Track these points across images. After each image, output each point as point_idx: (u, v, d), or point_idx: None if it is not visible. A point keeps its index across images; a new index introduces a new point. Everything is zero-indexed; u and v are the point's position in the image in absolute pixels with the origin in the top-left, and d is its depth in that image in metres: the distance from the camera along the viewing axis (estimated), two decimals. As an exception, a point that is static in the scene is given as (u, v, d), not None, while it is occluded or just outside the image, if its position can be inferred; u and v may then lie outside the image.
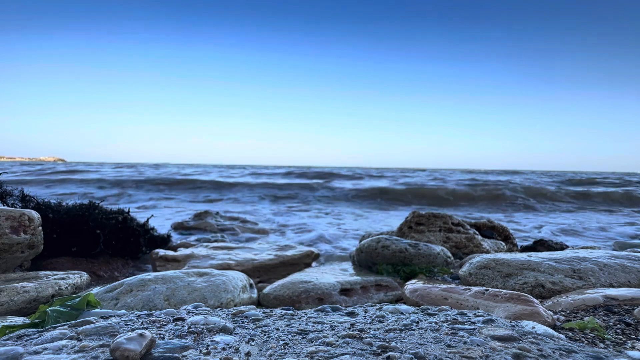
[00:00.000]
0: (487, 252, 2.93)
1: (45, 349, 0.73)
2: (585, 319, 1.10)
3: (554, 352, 0.74)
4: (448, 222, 3.08)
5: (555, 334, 0.87)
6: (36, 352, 0.71)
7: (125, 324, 0.88)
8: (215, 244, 3.07)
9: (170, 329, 0.85)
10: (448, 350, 0.74)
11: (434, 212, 3.16)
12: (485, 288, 1.38)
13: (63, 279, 1.57)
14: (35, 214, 1.77)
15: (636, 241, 3.52)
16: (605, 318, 1.11)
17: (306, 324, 0.92)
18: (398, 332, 0.86)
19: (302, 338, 0.82)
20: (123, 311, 1.05)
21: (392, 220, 6.14)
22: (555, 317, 1.15)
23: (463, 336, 0.82)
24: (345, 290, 1.88)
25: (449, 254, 2.50)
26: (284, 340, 0.80)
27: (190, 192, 11.00)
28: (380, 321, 0.94)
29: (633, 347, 0.90)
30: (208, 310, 1.02)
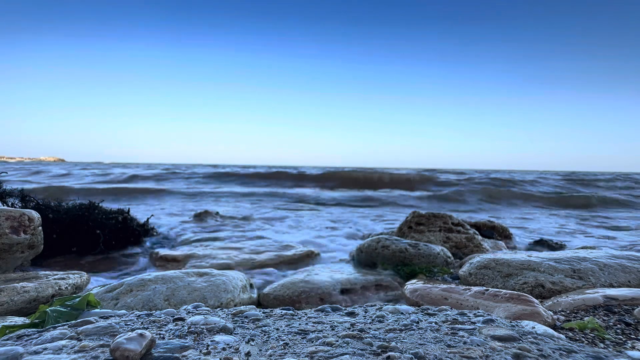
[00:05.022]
0: (487, 252, 2.93)
1: (45, 349, 0.73)
2: (585, 319, 1.10)
3: (554, 352, 0.74)
4: (448, 222, 3.08)
5: (555, 334, 0.87)
6: (36, 352, 0.71)
7: (125, 324, 0.88)
8: (215, 244, 3.07)
9: (170, 329, 0.85)
10: (448, 350, 0.74)
11: (434, 212, 3.16)
12: (485, 288, 1.38)
13: (63, 279, 1.57)
14: (35, 214, 1.77)
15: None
16: (605, 318, 1.11)
17: (306, 324, 0.92)
18: (398, 332, 0.86)
19: (302, 338, 0.82)
20: (123, 311, 1.05)
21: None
22: (555, 317, 1.15)
23: (463, 336, 0.82)
24: (345, 290, 1.88)
25: (449, 254, 2.50)
26: (284, 340, 0.80)
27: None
28: (380, 321, 0.94)
29: (633, 347, 0.90)
30: (208, 310, 1.02)
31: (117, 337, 0.70)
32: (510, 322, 0.95)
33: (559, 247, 3.30)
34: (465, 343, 0.78)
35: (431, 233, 2.99)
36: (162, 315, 0.95)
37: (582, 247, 2.92)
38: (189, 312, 0.99)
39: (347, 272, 2.25)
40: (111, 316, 0.97)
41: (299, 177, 15.09)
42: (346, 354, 0.72)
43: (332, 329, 0.87)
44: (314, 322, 0.93)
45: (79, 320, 0.90)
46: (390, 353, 0.72)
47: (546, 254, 1.85)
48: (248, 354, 0.72)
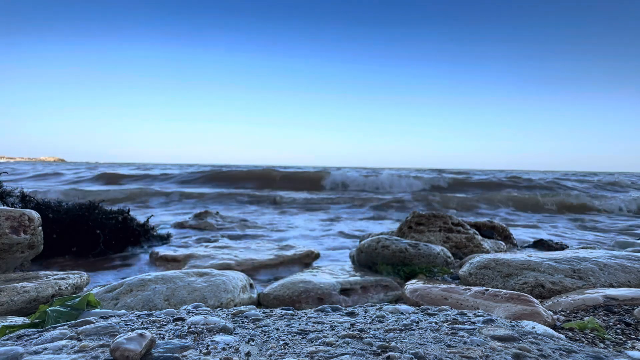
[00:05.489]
0: (487, 252, 2.93)
1: (45, 349, 0.73)
2: (585, 319, 1.10)
3: (554, 352, 0.74)
4: (448, 222, 3.08)
5: (555, 334, 0.87)
6: (36, 352, 0.71)
7: (125, 324, 0.88)
8: (215, 244, 3.07)
9: (170, 329, 0.85)
10: (448, 350, 0.74)
11: (434, 212, 3.16)
12: (485, 288, 1.38)
13: (63, 279, 1.57)
14: (35, 214, 1.77)
15: (636, 240, 3.52)
16: (605, 318, 1.11)
17: (306, 324, 0.92)
18: (398, 332, 0.86)
19: (302, 338, 0.82)
20: (123, 311, 1.05)
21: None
22: (555, 317, 1.15)
23: (463, 336, 0.82)
24: (345, 290, 1.88)
25: (449, 254, 2.50)
26: (284, 340, 0.80)
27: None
28: (380, 321, 0.94)
29: (633, 347, 0.90)
30: (208, 310, 1.02)
31: (117, 337, 0.70)
32: (510, 322, 0.95)
33: (559, 247, 3.30)
34: (465, 343, 0.78)
35: (431, 233, 2.99)
36: (162, 315, 0.95)
37: (582, 247, 2.92)
38: (189, 312, 0.99)
39: (347, 272, 2.25)
40: (111, 316, 0.97)
41: (293, 178, 14.62)
42: (346, 354, 0.72)
43: (332, 329, 0.87)
44: (314, 322, 0.93)
45: (79, 320, 0.90)
46: (390, 353, 0.72)
47: (546, 254, 1.85)
48: (248, 354, 0.72)
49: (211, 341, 0.78)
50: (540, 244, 3.40)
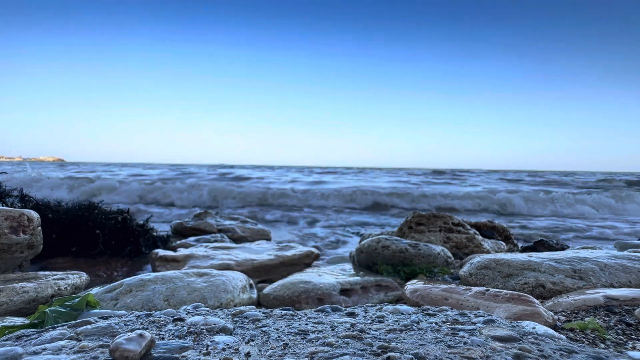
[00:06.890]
0: (488, 252, 2.93)
1: (44, 349, 0.72)
2: (586, 319, 1.09)
3: (554, 352, 0.74)
4: (448, 222, 3.08)
5: (556, 334, 0.87)
6: (35, 353, 0.71)
7: (125, 325, 0.88)
8: (215, 244, 3.06)
9: (170, 330, 0.84)
10: (448, 351, 0.74)
11: (434, 212, 3.16)
12: (485, 288, 1.38)
13: (62, 279, 1.57)
14: (34, 214, 1.76)
15: (637, 241, 3.52)
16: (606, 318, 1.11)
17: (306, 324, 0.92)
18: (398, 332, 0.85)
19: (302, 338, 0.81)
20: (122, 311, 1.05)
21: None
22: (555, 317, 1.15)
23: (463, 336, 0.82)
24: (346, 291, 1.87)
25: (449, 254, 2.50)
26: (283, 340, 0.80)
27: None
28: (380, 321, 0.94)
29: (634, 348, 0.90)
30: (208, 311, 1.02)
31: (117, 337, 0.70)
32: (511, 322, 0.95)
33: (560, 247, 3.30)
34: (465, 343, 0.78)
35: (431, 233, 2.99)
36: (162, 315, 0.95)
37: (583, 247, 2.92)
38: (188, 313, 0.99)
39: (347, 273, 2.25)
40: (110, 316, 0.97)
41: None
42: (346, 354, 0.72)
43: (332, 330, 0.87)
44: (314, 323, 0.93)
45: (78, 321, 0.90)
46: (390, 353, 0.71)
47: (547, 254, 1.85)
48: (248, 355, 0.71)
49: (211, 342, 0.77)
50: (541, 244, 3.40)
